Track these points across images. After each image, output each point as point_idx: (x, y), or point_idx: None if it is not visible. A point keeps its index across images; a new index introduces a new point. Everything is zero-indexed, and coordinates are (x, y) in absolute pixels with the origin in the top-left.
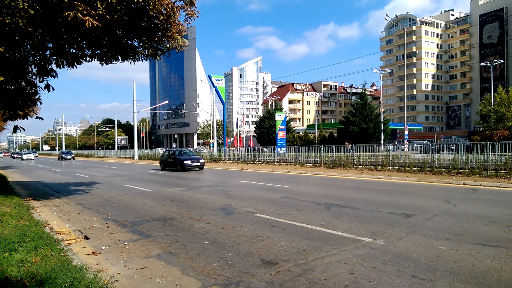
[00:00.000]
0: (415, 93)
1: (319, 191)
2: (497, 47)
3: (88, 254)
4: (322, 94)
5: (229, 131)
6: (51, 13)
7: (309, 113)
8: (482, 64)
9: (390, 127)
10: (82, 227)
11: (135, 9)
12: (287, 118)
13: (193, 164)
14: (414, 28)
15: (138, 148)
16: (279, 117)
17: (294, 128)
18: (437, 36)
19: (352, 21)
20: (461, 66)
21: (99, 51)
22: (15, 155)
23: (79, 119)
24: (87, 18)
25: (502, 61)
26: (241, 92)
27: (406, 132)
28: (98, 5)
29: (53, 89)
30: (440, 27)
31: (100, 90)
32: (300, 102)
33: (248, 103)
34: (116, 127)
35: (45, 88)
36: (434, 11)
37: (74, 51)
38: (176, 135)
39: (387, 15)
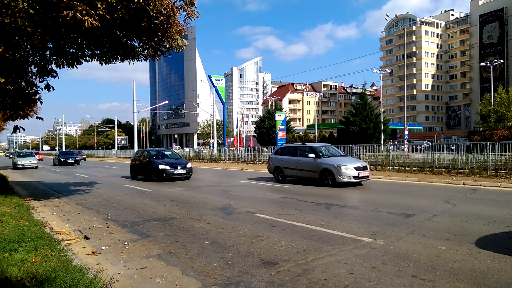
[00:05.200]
0: (415, 93)
1: (319, 191)
2: (497, 47)
3: (88, 254)
4: (322, 94)
5: (229, 131)
6: (50, 13)
7: (309, 113)
8: (482, 64)
9: (390, 127)
10: (82, 227)
11: (135, 9)
12: (287, 118)
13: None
14: (414, 28)
15: (138, 148)
16: (279, 117)
17: (294, 128)
18: (437, 36)
19: (350, 21)
20: (461, 66)
21: (99, 51)
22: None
23: (79, 119)
24: (86, 18)
25: (502, 61)
26: (241, 92)
27: (406, 132)
28: (98, 5)
29: (53, 89)
30: (440, 27)
31: (100, 90)
32: (300, 102)
33: (248, 103)
34: (116, 127)
35: (45, 88)
36: (433, 11)
37: (74, 51)
38: (176, 135)
39: (387, 15)
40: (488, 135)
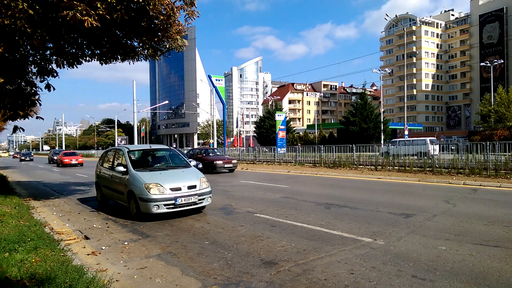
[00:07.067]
0: (415, 93)
1: (319, 191)
2: (497, 47)
3: (88, 254)
4: (322, 94)
5: (229, 131)
6: (50, 13)
7: (309, 113)
8: (482, 64)
9: (390, 127)
10: (82, 227)
11: (135, 9)
12: (287, 118)
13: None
14: (414, 28)
15: None
16: (279, 117)
17: (294, 128)
18: (437, 36)
19: (349, 21)
20: (461, 66)
21: (99, 51)
22: None
23: (79, 119)
24: (86, 18)
25: (502, 61)
26: (241, 92)
27: (406, 132)
28: (98, 5)
29: (54, 89)
30: (440, 27)
31: (100, 90)
32: (300, 102)
33: (248, 103)
34: (116, 127)
35: (45, 88)
36: (433, 11)
37: (74, 51)
38: (176, 135)
39: (387, 15)
40: (488, 135)
